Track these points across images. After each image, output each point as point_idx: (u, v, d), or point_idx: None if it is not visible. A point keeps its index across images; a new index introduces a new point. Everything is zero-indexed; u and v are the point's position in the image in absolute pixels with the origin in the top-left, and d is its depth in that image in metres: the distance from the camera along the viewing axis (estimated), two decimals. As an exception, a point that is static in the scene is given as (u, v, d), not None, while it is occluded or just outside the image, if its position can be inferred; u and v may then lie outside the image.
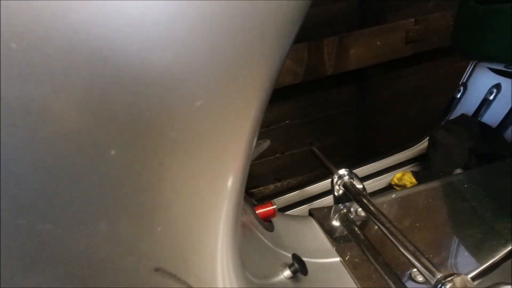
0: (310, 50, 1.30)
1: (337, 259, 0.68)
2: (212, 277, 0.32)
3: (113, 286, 0.25)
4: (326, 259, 0.66)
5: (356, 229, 0.74)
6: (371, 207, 0.66)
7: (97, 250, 0.24)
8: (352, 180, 0.78)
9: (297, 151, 1.57)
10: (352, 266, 0.65)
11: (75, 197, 0.22)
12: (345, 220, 0.78)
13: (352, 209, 0.81)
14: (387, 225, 0.59)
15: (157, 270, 0.27)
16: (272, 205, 0.68)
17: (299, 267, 0.50)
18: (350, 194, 0.75)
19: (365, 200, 0.70)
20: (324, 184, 1.13)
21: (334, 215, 0.81)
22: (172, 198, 0.27)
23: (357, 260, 0.67)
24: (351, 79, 1.53)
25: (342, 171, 0.79)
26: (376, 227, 0.64)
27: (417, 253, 0.48)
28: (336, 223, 0.79)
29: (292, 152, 1.57)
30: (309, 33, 1.29)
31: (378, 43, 1.40)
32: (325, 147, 1.62)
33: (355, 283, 0.61)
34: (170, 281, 0.27)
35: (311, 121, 1.55)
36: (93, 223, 0.23)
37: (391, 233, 0.57)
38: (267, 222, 0.68)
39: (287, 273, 0.51)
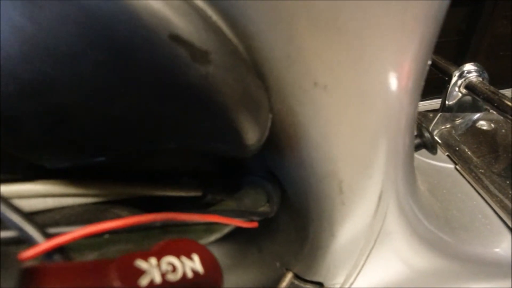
0: None
1: (452, 165, 0.51)
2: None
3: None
4: (440, 162, 0.51)
5: (475, 143, 0.56)
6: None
7: None
8: (481, 79, 0.59)
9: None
10: (472, 176, 0.49)
11: None
12: (459, 132, 0.60)
13: (468, 121, 0.62)
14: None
15: None
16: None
17: (429, 139, 0.35)
18: (479, 96, 0.56)
19: (507, 101, 0.51)
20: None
21: (443, 124, 0.63)
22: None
23: (476, 171, 0.50)
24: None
25: (468, 66, 0.59)
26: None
27: None
28: (444, 131, 0.62)
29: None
30: None
31: None
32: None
33: (478, 193, 0.46)
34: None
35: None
36: None
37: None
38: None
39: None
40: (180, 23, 0.10)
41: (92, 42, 0.10)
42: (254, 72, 0.13)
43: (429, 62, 0.20)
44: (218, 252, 0.35)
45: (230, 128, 0.14)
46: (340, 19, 0.13)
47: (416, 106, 0.22)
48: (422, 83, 0.21)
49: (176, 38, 0.10)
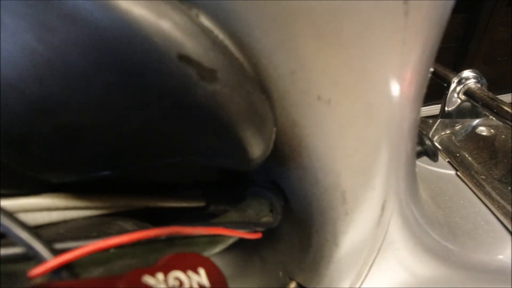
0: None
1: (452, 172, 0.52)
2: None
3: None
4: (441, 169, 0.51)
5: (474, 149, 0.56)
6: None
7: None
8: (480, 85, 0.59)
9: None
10: (473, 183, 0.49)
11: None
12: (459, 138, 0.61)
13: (468, 127, 0.62)
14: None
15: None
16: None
17: (430, 146, 0.35)
18: (477, 102, 0.57)
19: (506, 107, 0.51)
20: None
21: (443, 130, 0.63)
22: None
23: (478, 177, 0.51)
24: (462, 4, 1.24)
25: (467, 73, 0.60)
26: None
27: None
28: (444, 137, 0.62)
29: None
30: None
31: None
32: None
33: (480, 200, 0.46)
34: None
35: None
36: None
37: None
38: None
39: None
40: (189, 43, 0.10)
41: (103, 64, 0.10)
42: (260, 88, 0.13)
43: (431, 69, 0.20)
44: (221, 262, 0.35)
45: (235, 144, 0.14)
46: (343, 35, 0.14)
47: (418, 113, 0.22)
48: (424, 90, 0.22)
49: (185, 58, 0.10)
